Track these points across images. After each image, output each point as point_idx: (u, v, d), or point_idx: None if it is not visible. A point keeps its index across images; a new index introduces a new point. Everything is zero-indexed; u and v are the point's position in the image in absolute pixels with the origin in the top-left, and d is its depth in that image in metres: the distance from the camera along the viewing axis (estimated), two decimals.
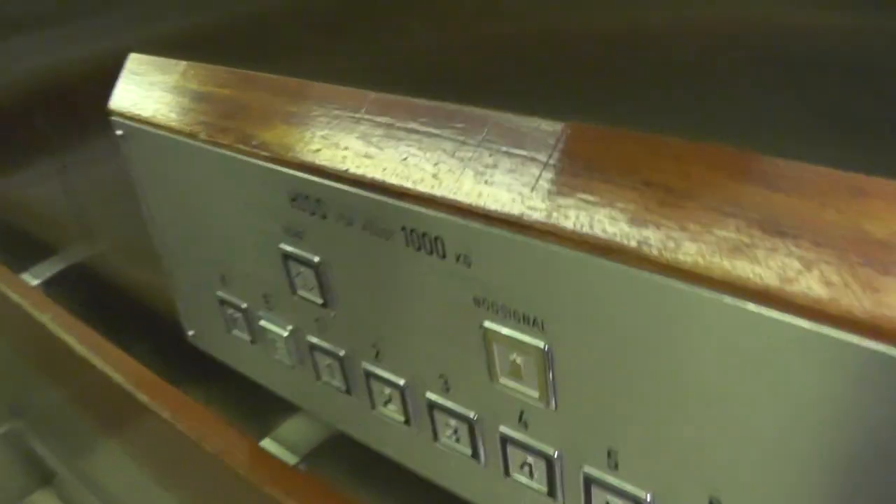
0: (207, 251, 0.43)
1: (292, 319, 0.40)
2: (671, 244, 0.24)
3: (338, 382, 0.40)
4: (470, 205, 0.28)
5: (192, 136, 0.39)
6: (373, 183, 0.31)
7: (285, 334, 0.41)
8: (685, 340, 0.25)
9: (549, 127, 0.27)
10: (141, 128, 0.43)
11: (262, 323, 0.42)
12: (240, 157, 0.37)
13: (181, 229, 0.45)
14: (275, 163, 0.35)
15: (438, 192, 0.29)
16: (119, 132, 0.44)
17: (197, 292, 0.47)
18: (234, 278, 0.43)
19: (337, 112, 0.34)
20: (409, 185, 0.30)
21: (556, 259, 0.27)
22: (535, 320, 0.29)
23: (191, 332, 0.50)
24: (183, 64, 0.43)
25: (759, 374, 0.23)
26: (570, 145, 0.27)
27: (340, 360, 0.39)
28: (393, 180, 0.30)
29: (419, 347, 0.34)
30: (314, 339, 0.40)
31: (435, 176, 0.29)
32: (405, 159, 0.31)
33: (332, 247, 0.35)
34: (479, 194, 0.28)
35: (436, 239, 0.30)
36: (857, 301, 0.20)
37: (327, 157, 0.33)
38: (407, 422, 0.37)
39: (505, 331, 0.30)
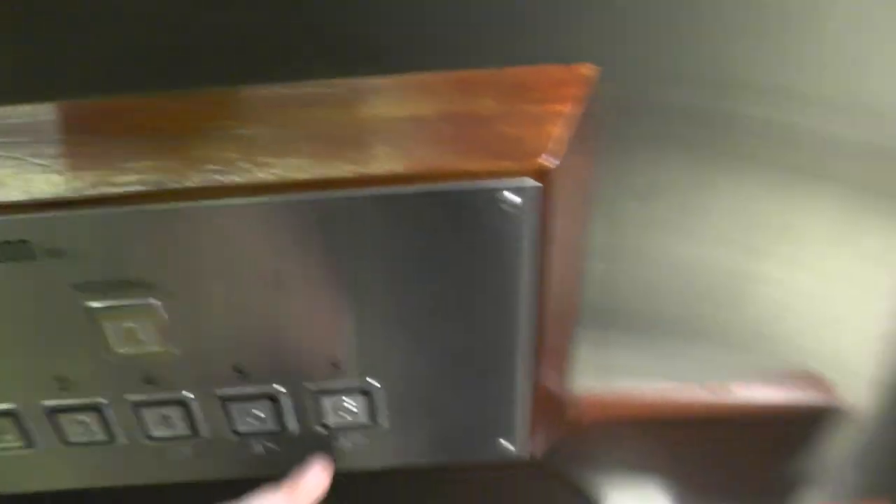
0: None
1: None
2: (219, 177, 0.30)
3: None
4: (33, 200, 0.31)
5: None
6: None
7: None
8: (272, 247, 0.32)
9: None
10: None
11: None
12: None
13: None
14: None
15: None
16: None
17: None
18: None
19: None
20: None
21: (129, 220, 0.31)
22: (137, 282, 0.33)
23: None
24: None
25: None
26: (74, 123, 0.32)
27: None
28: None
29: (29, 358, 0.35)
30: None
31: None
32: None
33: None
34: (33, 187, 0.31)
35: (20, 244, 0.32)
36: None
37: None
38: (29, 444, 0.38)
39: (112, 303, 0.33)
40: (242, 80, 0.32)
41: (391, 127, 0.31)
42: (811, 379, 0.44)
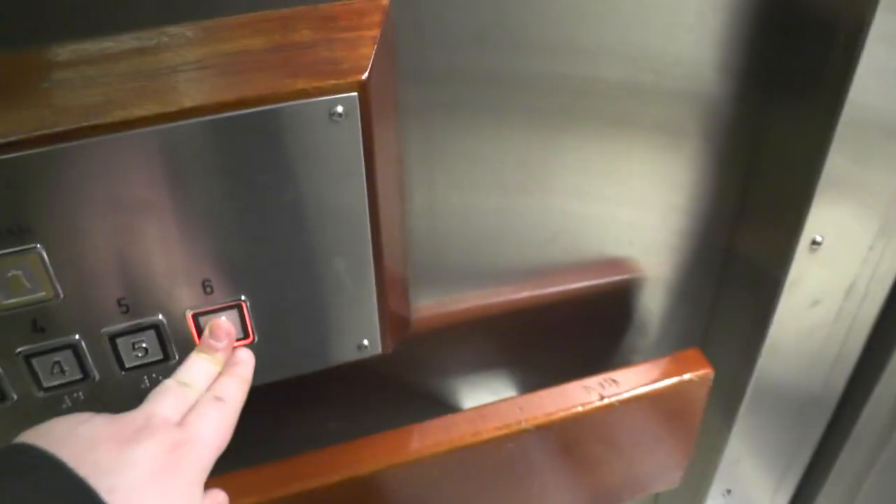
0: None
1: None
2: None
3: None
4: None
5: None
6: None
7: None
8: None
9: None
10: None
11: None
12: None
13: None
14: None
15: None
16: None
17: None
18: None
19: None
20: None
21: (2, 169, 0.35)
22: (17, 228, 0.36)
23: None
24: None
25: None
26: None
27: None
28: None
29: None
30: None
31: None
32: None
33: None
34: None
35: None
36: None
37: None
38: None
39: None
40: (79, 34, 0.37)
41: (225, 61, 0.37)
42: (616, 261, 0.53)
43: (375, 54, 0.38)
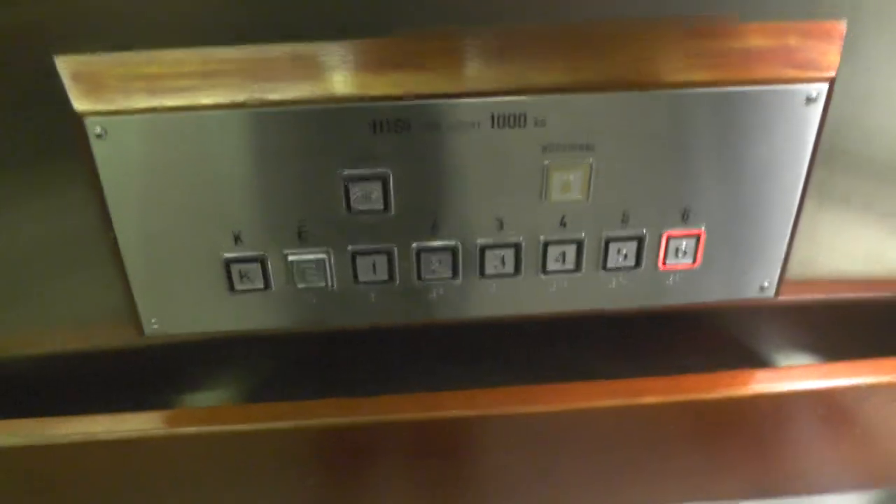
0: (216, 221, 0.49)
1: (333, 241, 0.50)
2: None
3: (381, 276, 0.51)
4: (546, 85, 0.47)
5: (238, 106, 0.46)
6: (464, 93, 0.46)
7: (324, 256, 0.50)
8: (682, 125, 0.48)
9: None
10: (131, 119, 0.46)
11: (293, 258, 0.50)
12: (304, 108, 0.46)
13: (171, 214, 0.48)
14: (357, 101, 0.46)
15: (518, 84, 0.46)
16: (97, 130, 0.46)
17: (180, 273, 0.50)
18: (251, 233, 0.49)
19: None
20: (497, 86, 0.46)
21: (599, 101, 0.47)
22: (583, 146, 0.48)
23: (154, 323, 0.52)
24: (161, 53, 0.47)
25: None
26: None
27: (389, 253, 0.51)
28: (483, 87, 0.46)
29: (477, 206, 0.50)
30: (361, 247, 0.50)
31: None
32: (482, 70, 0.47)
33: (406, 155, 0.48)
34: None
35: (519, 115, 0.47)
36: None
37: (413, 82, 0.46)
38: (454, 275, 0.52)
39: (562, 159, 0.49)
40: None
41: (739, 52, 0.49)
42: None
43: (840, 61, 0.50)
